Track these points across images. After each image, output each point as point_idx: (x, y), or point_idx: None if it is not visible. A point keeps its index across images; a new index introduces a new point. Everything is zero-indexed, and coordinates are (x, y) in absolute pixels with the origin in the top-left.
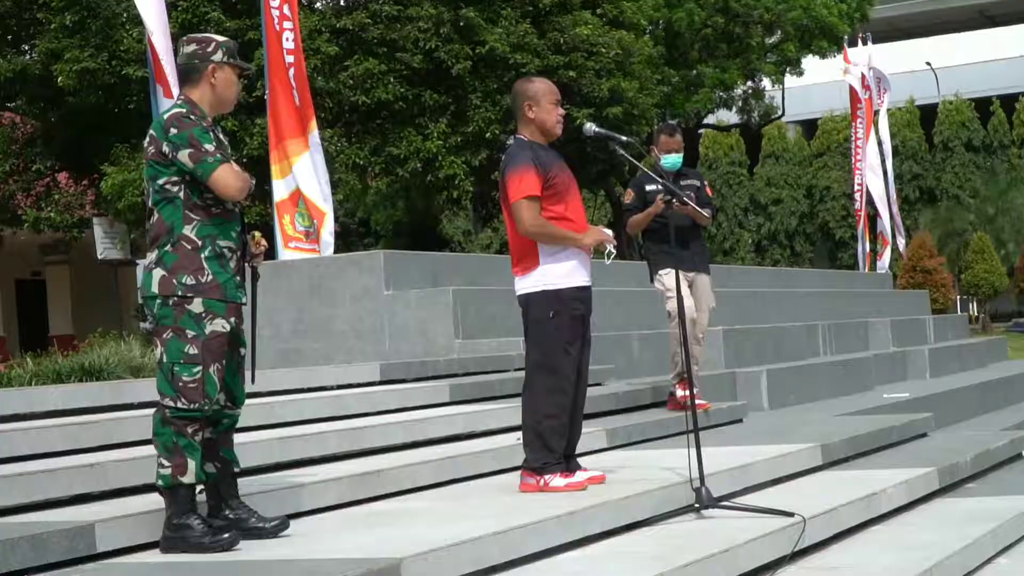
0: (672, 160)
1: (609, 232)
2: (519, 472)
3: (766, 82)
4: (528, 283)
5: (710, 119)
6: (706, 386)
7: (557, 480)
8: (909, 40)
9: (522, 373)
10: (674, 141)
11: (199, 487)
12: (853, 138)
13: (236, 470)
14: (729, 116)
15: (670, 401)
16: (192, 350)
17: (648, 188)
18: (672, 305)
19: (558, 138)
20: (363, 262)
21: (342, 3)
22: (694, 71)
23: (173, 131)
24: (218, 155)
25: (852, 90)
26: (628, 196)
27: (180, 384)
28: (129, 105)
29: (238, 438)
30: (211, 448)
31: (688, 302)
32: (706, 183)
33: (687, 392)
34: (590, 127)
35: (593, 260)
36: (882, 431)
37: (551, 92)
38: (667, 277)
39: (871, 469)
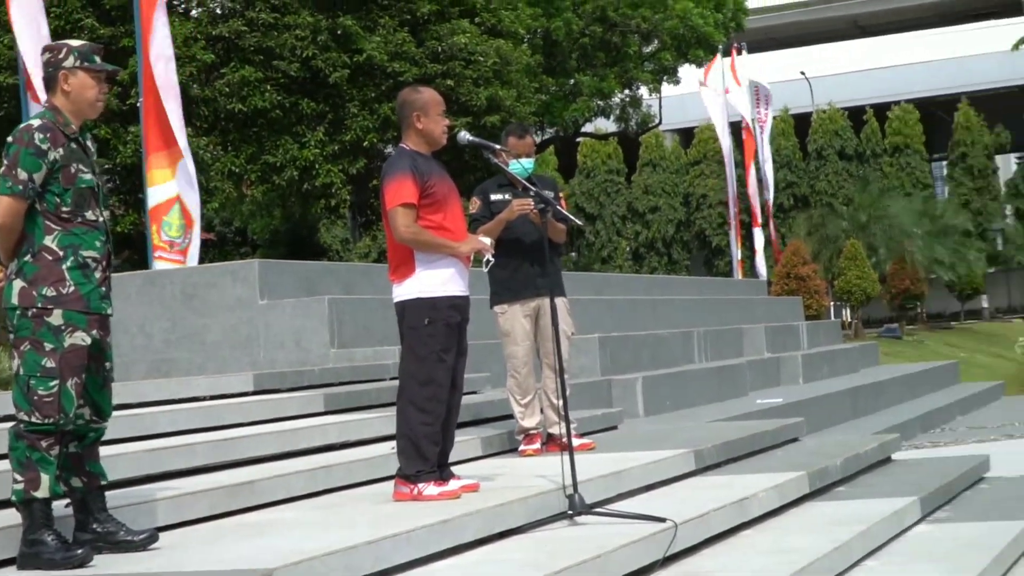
0: (523, 165)
1: (487, 240)
2: (393, 481)
3: (643, 91)
4: (404, 291)
5: (588, 127)
6: (581, 392)
7: (431, 488)
8: (784, 50)
9: (397, 382)
10: (524, 143)
11: (65, 501)
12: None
13: (103, 483)
14: (607, 124)
15: (549, 444)
16: (49, 363)
17: (494, 197)
18: (510, 351)
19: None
20: (237, 271)
21: (218, 11)
22: (572, 80)
23: (9, 140)
24: (15, 186)
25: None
26: (474, 205)
27: (35, 398)
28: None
29: (107, 450)
30: (77, 461)
31: (527, 344)
32: (561, 195)
33: (536, 446)
34: (464, 135)
35: (472, 268)
36: (754, 436)
37: (439, 103)
38: (504, 319)
39: (743, 474)
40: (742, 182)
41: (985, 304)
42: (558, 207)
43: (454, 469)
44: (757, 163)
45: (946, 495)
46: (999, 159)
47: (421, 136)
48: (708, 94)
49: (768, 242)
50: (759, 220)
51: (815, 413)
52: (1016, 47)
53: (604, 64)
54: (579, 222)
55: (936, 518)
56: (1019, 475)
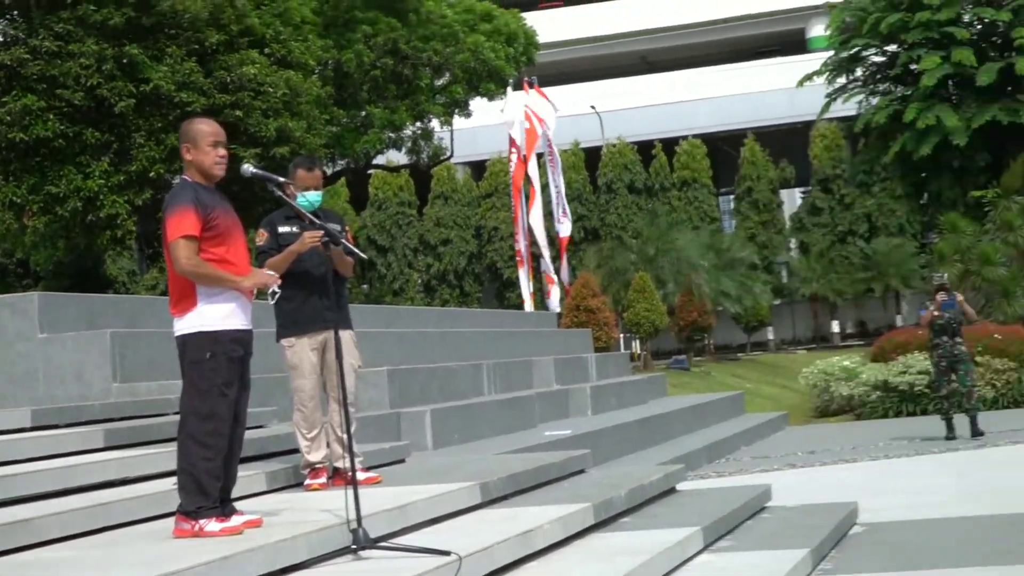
0: (312, 197)
1: (272, 273)
2: (174, 517)
3: (435, 123)
4: (185, 324)
5: (380, 159)
6: (369, 426)
7: (212, 525)
8: (574, 84)
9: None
10: (313, 176)
11: None
12: (512, 180)
13: None
14: (399, 157)
15: (335, 478)
16: None
17: (281, 229)
18: (297, 384)
19: (223, 178)
20: (16, 304)
21: (0, 38)
22: (363, 112)
23: None
24: None
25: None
26: (261, 237)
27: None
28: None
29: None
30: None
31: (314, 378)
32: (347, 228)
33: (322, 480)
34: (247, 168)
35: (257, 301)
36: (540, 468)
37: (211, 134)
38: (292, 352)
39: (529, 506)
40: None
41: (771, 336)
42: (344, 241)
43: (237, 504)
44: (548, 196)
45: (728, 524)
46: (784, 193)
47: (194, 167)
48: (512, 126)
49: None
50: (547, 253)
51: (603, 445)
52: (801, 84)
53: (396, 96)
54: (364, 256)
55: (718, 547)
56: (800, 504)
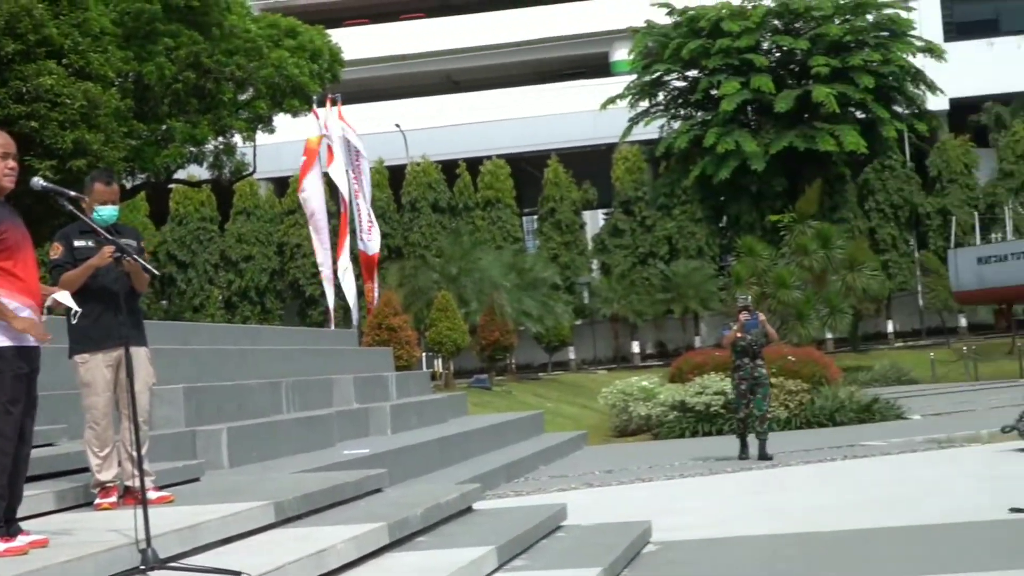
0: (108, 212)
1: (62, 294)
2: None
3: (238, 138)
4: None
5: (181, 174)
6: (164, 444)
7: None
8: (380, 102)
9: None
10: (110, 191)
11: None
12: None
13: None
14: (200, 172)
15: (126, 497)
16: None
17: (77, 243)
18: (90, 402)
19: (13, 191)
20: None
21: None
22: (164, 125)
23: None
24: None
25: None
26: (56, 251)
27: None
28: None
29: None
30: None
31: (107, 395)
32: (143, 242)
33: (113, 499)
34: (37, 181)
35: (50, 316)
36: (336, 487)
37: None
38: (84, 369)
39: (324, 526)
40: (336, 232)
41: (572, 356)
42: (137, 257)
43: (23, 524)
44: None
45: (523, 544)
46: (586, 215)
47: None
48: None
49: (361, 293)
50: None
51: (402, 464)
52: (604, 107)
53: (197, 111)
54: (157, 272)
55: (513, 566)
56: (595, 523)
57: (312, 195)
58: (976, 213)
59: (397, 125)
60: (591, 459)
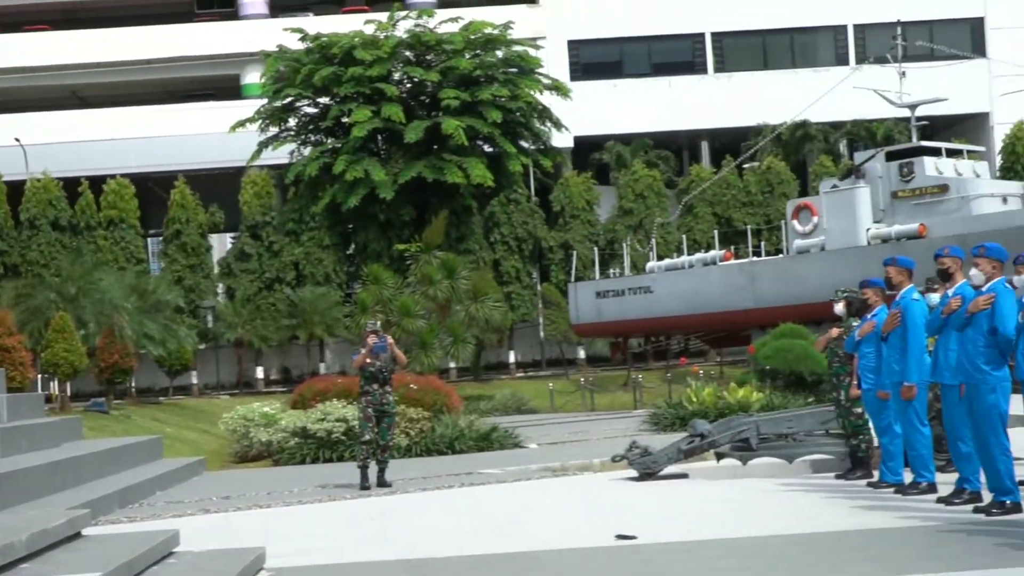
0: None
1: None
2: None
3: None
4: None
5: None
6: None
7: None
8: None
9: None
10: None
11: None
12: None
13: None
14: None
15: None
16: None
17: None
18: None
19: None
20: None
21: None
22: None
23: None
24: None
25: None
26: None
27: None
28: None
29: None
30: None
31: None
32: None
33: None
34: None
35: None
36: None
37: None
38: None
39: None
40: None
41: (195, 380)
42: None
43: None
44: None
45: (133, 570)
46: (213, 238)
47: None
48: None
49: None
50: None
51: (11, 489)
52: (234, 129)
53: None
54: None
55: None
56: (208, 549)
57: None
58: (596, 248)
59: (17, 139)
60: (210, 485)
